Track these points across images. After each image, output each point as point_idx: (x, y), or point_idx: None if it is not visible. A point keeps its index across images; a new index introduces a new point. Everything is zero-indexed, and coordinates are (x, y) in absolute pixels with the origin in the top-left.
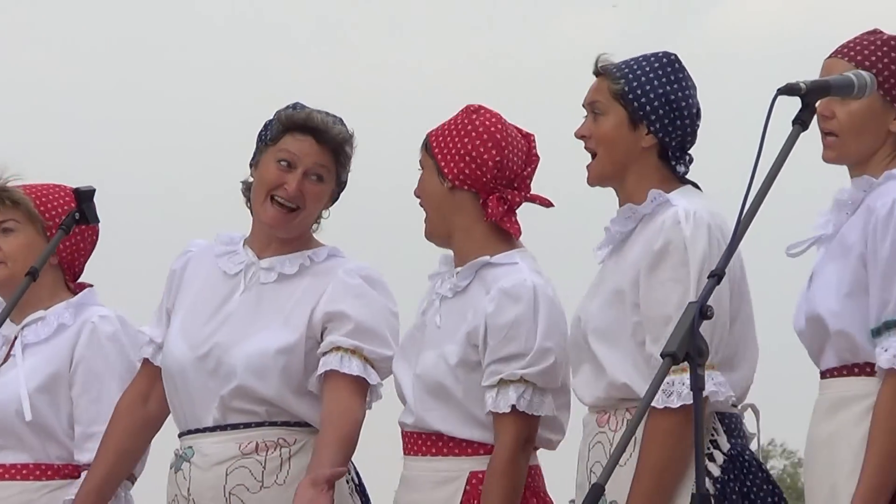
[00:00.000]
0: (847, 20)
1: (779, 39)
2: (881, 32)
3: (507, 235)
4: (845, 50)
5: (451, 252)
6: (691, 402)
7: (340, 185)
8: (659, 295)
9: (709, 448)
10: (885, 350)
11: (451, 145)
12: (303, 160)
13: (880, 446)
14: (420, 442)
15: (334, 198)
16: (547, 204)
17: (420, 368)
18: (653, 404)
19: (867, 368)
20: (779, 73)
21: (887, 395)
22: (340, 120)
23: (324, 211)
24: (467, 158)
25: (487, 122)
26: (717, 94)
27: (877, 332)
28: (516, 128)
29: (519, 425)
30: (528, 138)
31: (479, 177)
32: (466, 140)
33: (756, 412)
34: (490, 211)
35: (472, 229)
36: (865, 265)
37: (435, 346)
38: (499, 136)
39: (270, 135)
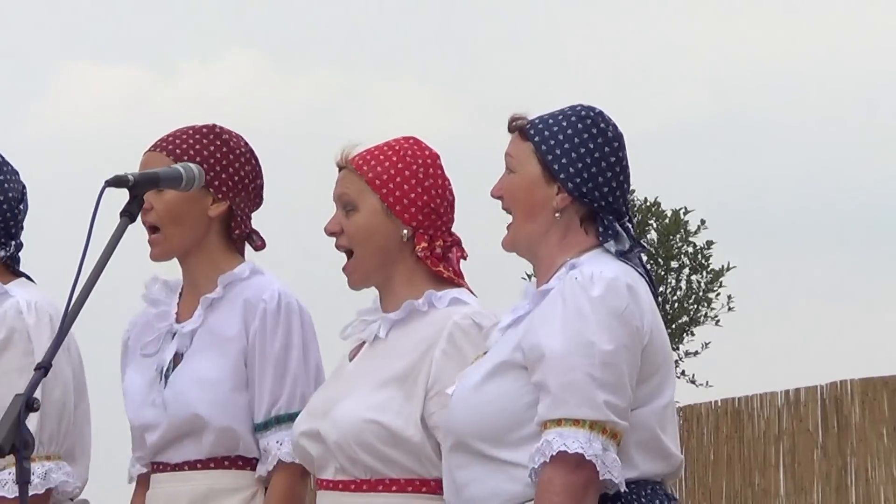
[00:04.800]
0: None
1: (114, 133)
2: (194, 126)
3: None
4: (163, 144)
5: None
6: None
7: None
8: (4, 387)
9: None
10: (279, 443)
11: None
12: None
13: None
14: None
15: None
16: None
17: None
18: None
19: (239, 462)
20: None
21: (278, 487)
22: None
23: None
24: None
25: None
26: (52, 186)
27: (264, 426)
28: None
29: None
30: None
31: None
32: None
33: None
34: None
35: None
36: (246, 360)
37: None
38: None
39: None
